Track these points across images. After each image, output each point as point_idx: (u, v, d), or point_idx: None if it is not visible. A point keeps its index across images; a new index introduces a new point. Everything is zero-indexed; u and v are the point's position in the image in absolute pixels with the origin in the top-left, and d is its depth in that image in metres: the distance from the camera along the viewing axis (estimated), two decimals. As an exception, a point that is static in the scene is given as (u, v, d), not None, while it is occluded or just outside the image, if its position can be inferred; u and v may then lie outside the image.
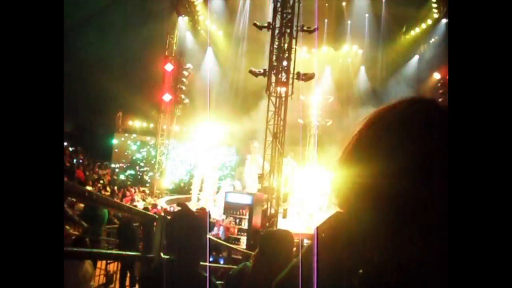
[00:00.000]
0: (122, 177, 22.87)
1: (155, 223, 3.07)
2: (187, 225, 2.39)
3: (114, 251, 6.33)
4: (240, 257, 9.23)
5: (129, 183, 21.89)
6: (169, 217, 2.78)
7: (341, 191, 0.86)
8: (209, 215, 11.68)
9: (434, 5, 24.05)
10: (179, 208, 2.54)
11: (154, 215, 3.44)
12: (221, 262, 8.92)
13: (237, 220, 13.62)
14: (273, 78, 14.96)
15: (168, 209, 14.55)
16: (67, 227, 7.23)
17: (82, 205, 9.15)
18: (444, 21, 23.73)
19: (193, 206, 15.84)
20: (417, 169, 0.77)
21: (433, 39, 24.47)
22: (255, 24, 15.97)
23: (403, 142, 0.79)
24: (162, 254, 2.89)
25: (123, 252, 5.44)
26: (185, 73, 22.41)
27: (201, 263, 2.53)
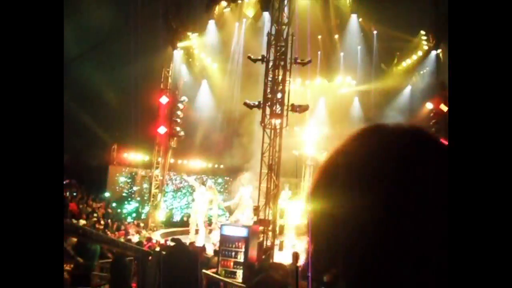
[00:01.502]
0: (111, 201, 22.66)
1: (150, 258, 3.02)
2: (182, 261, 2.36)
3: None
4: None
5: (123, 216, 21.63)
6: (163, 253, 2.74)
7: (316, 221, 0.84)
8: (205, 250, 11.52)
9: (424, 37, 24.66)
10: (173, 243, 2.51)
11: (149, 250, 3.39)
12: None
13: (233, 253, 13.40)
14: (268, 110, 15.07)
15: (163, 243, 14.33)
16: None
17: (75, 238, 9.01)
18: (434, 52, 24.27)
19: (190, 239, 15.62)
20: (392, 201, 0.76)
21: (424, 70, 24.96)
22: (249, 57, 16.19)
23: (376, 174, 0.79)
24: (157, 291, 2.83)
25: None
26: (180, 105, 22.52)
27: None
